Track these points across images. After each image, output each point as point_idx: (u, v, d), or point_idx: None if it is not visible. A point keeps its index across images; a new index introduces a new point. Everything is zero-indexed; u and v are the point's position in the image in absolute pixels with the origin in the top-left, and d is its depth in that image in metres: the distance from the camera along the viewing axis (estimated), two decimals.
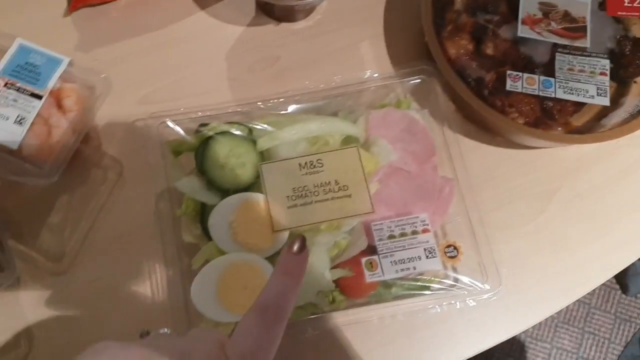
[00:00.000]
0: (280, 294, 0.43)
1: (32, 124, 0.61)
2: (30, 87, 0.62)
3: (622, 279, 1.71)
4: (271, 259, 0.59)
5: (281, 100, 0.69)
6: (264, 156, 0.63)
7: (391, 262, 0.60)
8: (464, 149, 0.69)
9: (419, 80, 0.72)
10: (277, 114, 0.68)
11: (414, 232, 0.61)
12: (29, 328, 0.63)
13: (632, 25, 0.74)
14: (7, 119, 0.61)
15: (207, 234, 0.60)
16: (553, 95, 0.69)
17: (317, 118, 0.66)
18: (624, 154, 0.75)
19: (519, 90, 0.69)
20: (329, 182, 0.61)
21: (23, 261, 0.64)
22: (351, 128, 0.66)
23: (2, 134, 0.60)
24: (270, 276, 0.44)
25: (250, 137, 0.63)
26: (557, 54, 0.71)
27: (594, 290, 0.67)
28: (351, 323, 0.63)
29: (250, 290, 0.56)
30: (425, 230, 0.61)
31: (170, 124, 0.65)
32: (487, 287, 0.62)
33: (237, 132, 0.62)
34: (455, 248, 0.61)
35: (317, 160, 0.62)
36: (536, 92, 0.70)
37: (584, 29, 0.72)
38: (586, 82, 0.70)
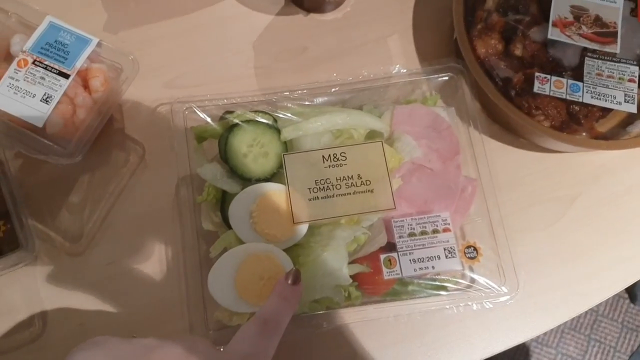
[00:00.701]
0: (278, 312, 0.50)
1: (58, 102, 0.61)
2: (58, 66, 0.62)
3: (631, 289, 1.70)
4: (289, 250, 0.59)
5: (307, 91, 0.68)
6: (288, 146, 0.63)
7: (410, 260, 0.59)
8: (488, 148, 0.68)
9: (446, 78, 0.71)
10: (302, 105, 0.68)
11: (435, 231, 0.60)
12: (43, 308, 0.64)
13: None
14: (34, 96, 0.61)
15: (226, 223, 0.60)
16: (580, 100, 0.69)
17: (342, 111, 0.65)
18: None
19: (547, 93, 0.69)
20: (352, 176, 0.61)
21: (41, 240, 0.65)
22: (376, 122, 0.65)
23: (28, 111, 0.60)
24: (271, 296, 0.51)
25: (275, 127, 0.63)
26: (586, 58, 0.71)
27: None
28: (366, 319, 0.62)
29: (266, 281, 0.56)
30: (446, 230, 0.61)
31: (195, 109, 0.65)
32: (505, 290, 0.61)
33: (262, 121, 0.62)
34: (475, 249, 0.61)
35: (341, 153, 0.62)
36: (564, 96, 0.69)
37: (614, 34, 0.71)
38: (614, 88, 0.69)
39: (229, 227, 0.60)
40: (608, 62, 0.70)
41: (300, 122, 0.62)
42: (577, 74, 0.70)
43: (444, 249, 0.60)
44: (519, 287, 0.61)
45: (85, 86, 0.64)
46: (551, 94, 0.69)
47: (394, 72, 0.72)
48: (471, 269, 0.62)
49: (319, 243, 0.59)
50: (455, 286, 0.61)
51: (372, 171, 0.61)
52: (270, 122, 0.63)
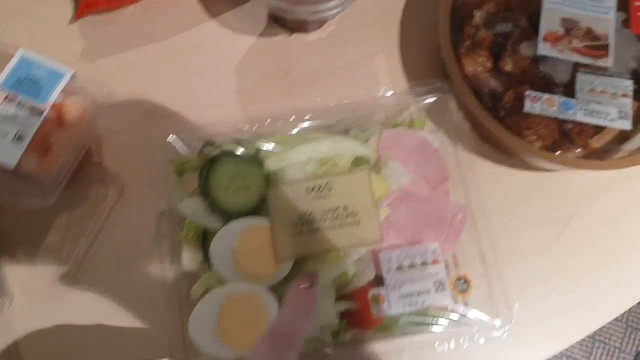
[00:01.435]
0: (292, 323, 0.46)
1: (32, 140, 0.59)
2: (31, 102, 0.60)
3: None
4: (275, 288, 0.57)
5: (291, 117, 0.66)
6: (271, 178, 0.60)
7: (399, 295, 0.57)
8: (478, 170, 0.67)
9: (434, 98, 0.69)
10: (286, 132, 0.66)
11: (424, 264, 0.58)
12: (21, 355, 0.62)
13: None
14: (5, 135, 0.59)
15: (208, 261, 0.58)
16: (573, 118, 0.66)
17: (327, 138, 0.63)
18: None
19: (537, 112, 0.67)
20: (337, 207, 0.59)
21: (18, 283, 0.62)
22: (362, 149, 0.63)
23: None
24: (283, 306, 0.47)
25: (257, 158, 0.60)
26: (578, 73, 0.68)
27: None
28: (356, 358, 0.60)
29: (249, 325, 0.54)
30: (435, 262, 0.59)
31: (174, 140, 0.63)
32: (498, 323, 0.59)
33: (244, 152, 0.60)
34: (466, 281, 0.59)
35: (326, 184, 0.59)
36: (556, 115, 0.67)
37: (606, 47, 0.69)
38: (607, 104, 0.67)
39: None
40: (601, 77, 0.68)
41: (283, 153, 0.60)
42: (569, 90, 0.68)
43: (434, 282, 0.58)
44: (513, 318, 0.59)
45: (61, 121, 0.62)
46: (542, 113, 0.67)
47: (379, 94, 0.70)
48: (464, 302, 0.59)
49: None
50: (447, 320, 0.59)
51: (358, 202, 0.59)
52: (252, 153, 0.60)
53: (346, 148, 0.63)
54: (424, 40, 0.75)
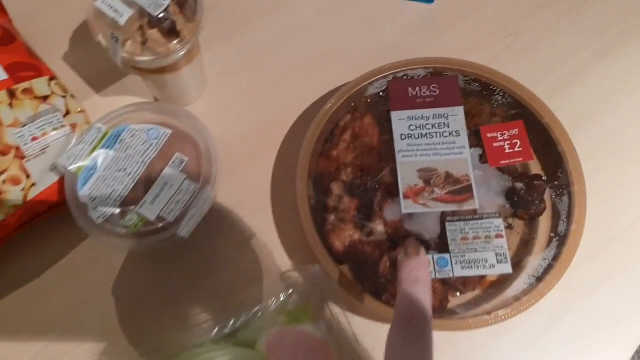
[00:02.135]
0: (418, 300, 0.42)
1: None
2: None
3: None
4: None
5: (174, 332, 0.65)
6: None
7: None
8: (368, 347, 0.66)
9: (309, 284, 0.66)
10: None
11: None
12: None
13: (518, 172, 0.70)
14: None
15: None
16: (451, 275, 0.65)
17: (221, 350, 0.60)
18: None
19: None
20: None
21: None
22: (255, 356, 0.61)
23: None
24: (399, 289, 0.44)
25: None
26: (447, 223, 0.67)
27: None
28: None
29: None
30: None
31: None
32: None
33: None
34: None
35: None
36: (433, 275, 0.65)
37: (469, 188, 0.68)
38: (483, 250, 0.66)
39: None
40: (470, 222, 0.67)
41: None
42: (442, 243, 0.67)
43: None
44: None
45: None
46: None
47: (250, 292, 0.68)
48: None
49: None
50: None
51: None
52: None
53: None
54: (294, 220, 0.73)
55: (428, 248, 0.66)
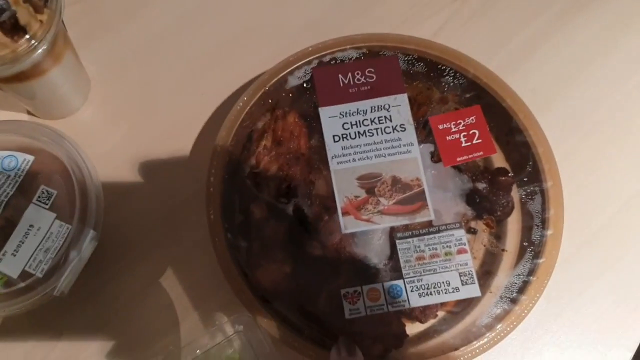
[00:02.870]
0: None
1: None
2: None
3: None
4: None
5: None
6: None
7: None
8: None
9: (237, 331, 0.53)
10: None
11: None
12: None
13: (479, 170, 0.58)
14: None
15: None
16: (407, 305, 0.52)
17: None
18: None
19: (363, 313, 0.52)
20: None
21: None
22: None
23: None
24: None
25: None
26: (397, 241, 0.54)
27: None
28: None
29: None
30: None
31: None
32: None
33: None
34: None
35: None
36: (385, 308, 0.52)
37: (421, 195, 0.55)
38: (444, 270, 0.54)
39: None
40: (426, 237, 0.55)
41: None
42: (393, 267, 0.54)
43: None
44: None
45: None
46: (369, 312, 0.52)
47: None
48: None
49: None
50: None
51: None
52: None
53: None
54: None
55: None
